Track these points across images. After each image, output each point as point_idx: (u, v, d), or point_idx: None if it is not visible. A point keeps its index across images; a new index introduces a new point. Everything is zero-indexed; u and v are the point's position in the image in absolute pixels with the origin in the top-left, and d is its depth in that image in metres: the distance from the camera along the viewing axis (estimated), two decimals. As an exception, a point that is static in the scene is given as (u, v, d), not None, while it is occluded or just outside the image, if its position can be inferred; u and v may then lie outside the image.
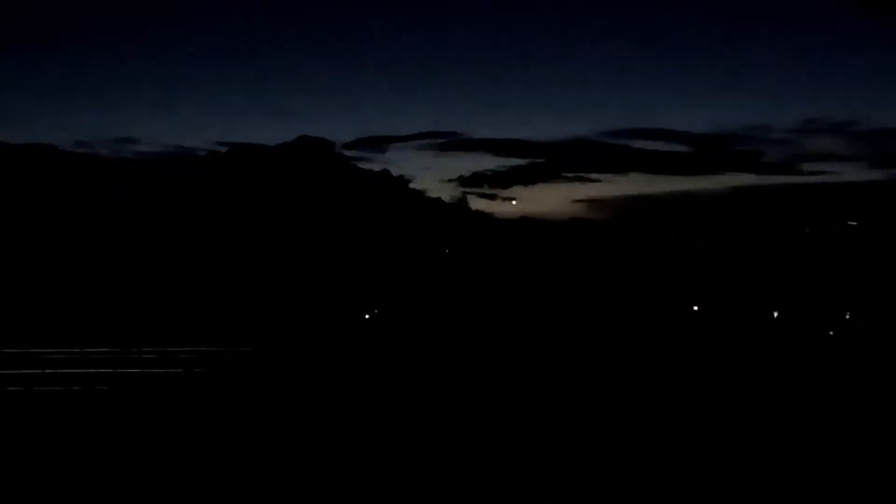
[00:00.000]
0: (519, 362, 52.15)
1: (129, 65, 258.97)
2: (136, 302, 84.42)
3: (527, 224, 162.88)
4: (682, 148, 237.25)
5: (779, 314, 79.30)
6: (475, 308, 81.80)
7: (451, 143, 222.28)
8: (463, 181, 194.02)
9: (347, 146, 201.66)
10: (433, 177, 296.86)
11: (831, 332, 70.73)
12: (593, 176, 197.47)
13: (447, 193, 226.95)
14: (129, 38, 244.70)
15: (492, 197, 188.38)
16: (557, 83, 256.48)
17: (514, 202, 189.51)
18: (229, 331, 65.48)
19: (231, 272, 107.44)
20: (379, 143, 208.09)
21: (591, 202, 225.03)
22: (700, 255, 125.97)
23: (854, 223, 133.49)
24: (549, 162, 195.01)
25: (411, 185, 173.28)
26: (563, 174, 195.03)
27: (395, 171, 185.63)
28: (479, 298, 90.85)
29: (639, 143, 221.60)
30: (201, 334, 61.96)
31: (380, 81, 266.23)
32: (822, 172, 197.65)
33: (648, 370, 50.51)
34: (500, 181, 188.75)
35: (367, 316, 77.24)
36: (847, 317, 78.65)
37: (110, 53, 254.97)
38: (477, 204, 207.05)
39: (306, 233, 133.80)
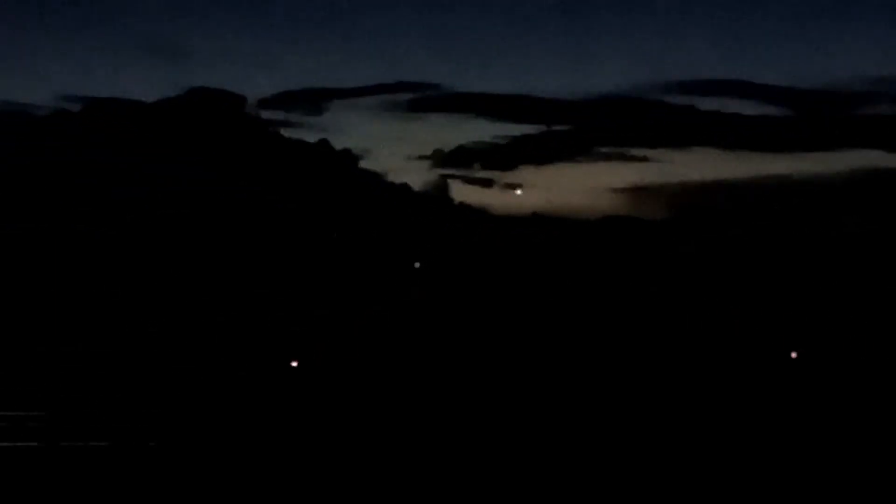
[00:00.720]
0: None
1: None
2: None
3: (541, 224, 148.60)
4: (776, 111, 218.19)
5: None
6: (457, 357, 69.36)
7: (423, 100, 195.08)
8: (442, 159, 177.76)
9: (265, 103, 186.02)
10: (395, 151, 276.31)
11: None
12: (640, 152, 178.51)
13: (417, 177, 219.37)
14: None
15: (487, 183, 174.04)
16: (585, 11, 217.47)
17: (520, 191, 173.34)
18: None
19: (75, 272, 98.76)
20: (313, 100, 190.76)
21: (638, 191, 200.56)
22: (804, 270, 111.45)
23: None
24: (573, 130, 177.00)
25: (362, 164, 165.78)
26: (596, 149, 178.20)
27: (337, 143, 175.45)
28: (464, 339, 77.77)
29: (710, 103, 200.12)
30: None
31: (314, 8, 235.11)
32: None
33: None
34: (499, 159, 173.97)
35: (293, 364, 67.11)
36: None
37: None
38: (464, 193, 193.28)
39: (200, 228, 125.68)
